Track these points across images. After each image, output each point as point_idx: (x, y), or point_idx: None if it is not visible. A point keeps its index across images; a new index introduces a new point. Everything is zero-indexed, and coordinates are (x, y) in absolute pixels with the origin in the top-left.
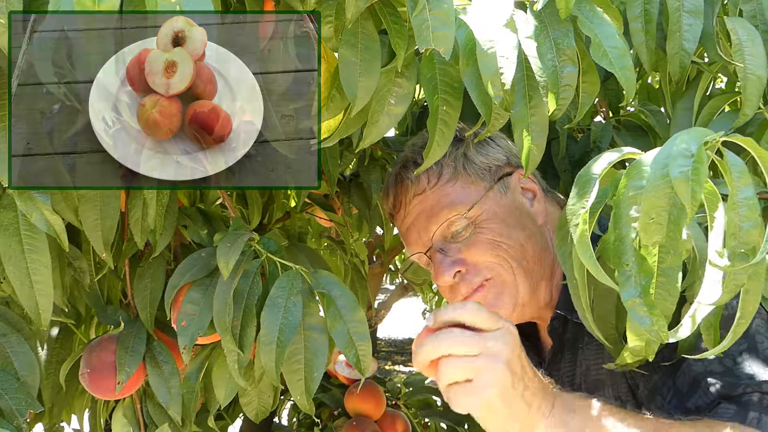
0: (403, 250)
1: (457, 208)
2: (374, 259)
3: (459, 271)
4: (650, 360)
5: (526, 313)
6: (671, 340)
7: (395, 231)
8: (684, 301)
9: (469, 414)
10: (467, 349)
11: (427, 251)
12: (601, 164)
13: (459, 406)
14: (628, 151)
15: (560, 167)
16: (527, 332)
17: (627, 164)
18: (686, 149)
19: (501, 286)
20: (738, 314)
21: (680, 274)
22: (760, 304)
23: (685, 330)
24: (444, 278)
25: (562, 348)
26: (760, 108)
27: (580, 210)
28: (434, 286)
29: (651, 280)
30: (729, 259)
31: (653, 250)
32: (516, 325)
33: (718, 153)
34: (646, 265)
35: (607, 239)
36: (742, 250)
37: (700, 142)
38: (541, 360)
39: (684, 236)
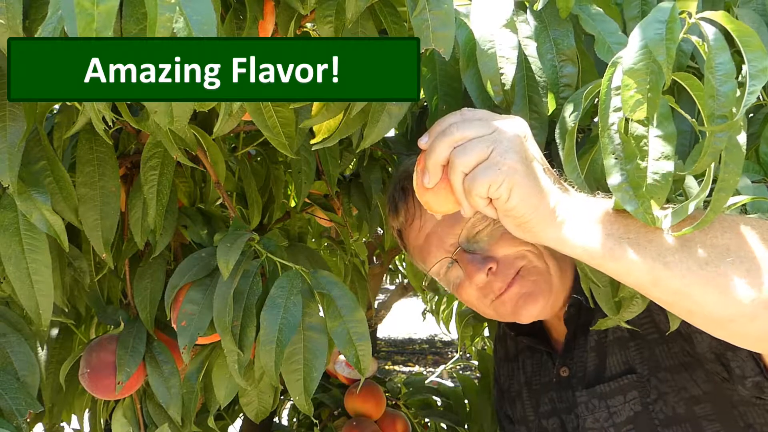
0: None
1: None
2: (374, 259)
3: (490, 268)
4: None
5: (557, 301)
6: (664, 225)
7: None
8: None
9: (468, 413)
10: (479, 130)
11: (454, 254)
12: (590, 84)
13: (482, 185)
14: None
15: (561, 167)
16: (534, 329)
17: None
18: (659, 16)
19: (535, 272)
20: (717, 187)
21: (672, 164)
22: None
23: (676, 215)
24: (479, 276)
25: (576, 335)
26: (764, 102)
27: (567, 127)
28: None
29: (635, 163)
30: (708, 121)
31: (642, 138)
32: (521, 324)
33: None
34: (630, 149)
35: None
36: (721, 113)
37: (672, 6)
38: (551, 352)
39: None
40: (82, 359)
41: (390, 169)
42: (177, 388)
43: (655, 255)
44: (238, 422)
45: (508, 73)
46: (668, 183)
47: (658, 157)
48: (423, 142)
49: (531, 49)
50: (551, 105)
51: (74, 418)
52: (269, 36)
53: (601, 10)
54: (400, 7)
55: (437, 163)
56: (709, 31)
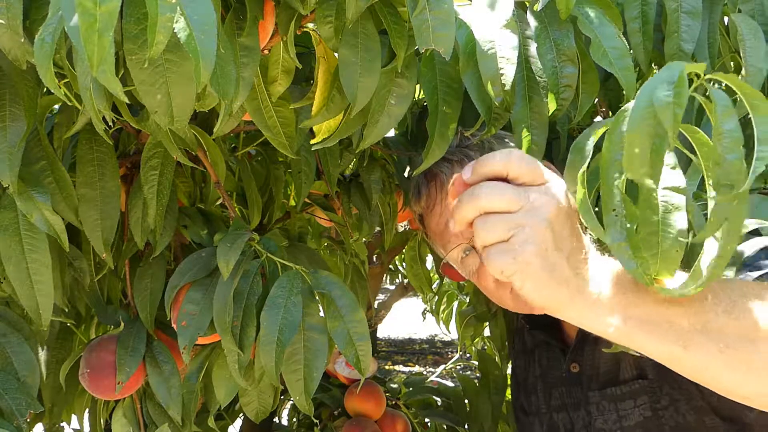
0: (404, 250)
1: None
2: (374, 259)
3: None
4: None
5: None
6: (677, 292)
7: (395, 231)
8: None
9: (469, 413)
10: (507, 203)
11: (471, 240)
12: (596, 127)
13: (494, 268)
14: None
15: (561, 168)
16: (548, 323)
17: None
18: (668, 77)
19: None
20: (716, 254)
21: (680, 217)
22: None
23: (692, 280)
24: None
25: (586, 336)
26: None
27: (577, 173)
28: (434, 285)
29: (635, 222)
30: (713, 189)
31: (652, 199)
32: (537, 317)
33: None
34: (631, 209)
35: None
36: (726, 182)
37: (681, 70)
38: (564, 348)
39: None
40: (82, 359)
41: (390, 169)
42: (177, 388)
43: (675, 338)
44: (238, 422)
45: (509, 73)
46: (678, 236)
47: (669, 210)
48: (466, 176)
49: (531, 50)
50: (551, 105)
51: (74, 418)
52: (269, 36)
53: (601, 11)
54: (400, 7)
55: (464, 222)
56: (718, 95)
